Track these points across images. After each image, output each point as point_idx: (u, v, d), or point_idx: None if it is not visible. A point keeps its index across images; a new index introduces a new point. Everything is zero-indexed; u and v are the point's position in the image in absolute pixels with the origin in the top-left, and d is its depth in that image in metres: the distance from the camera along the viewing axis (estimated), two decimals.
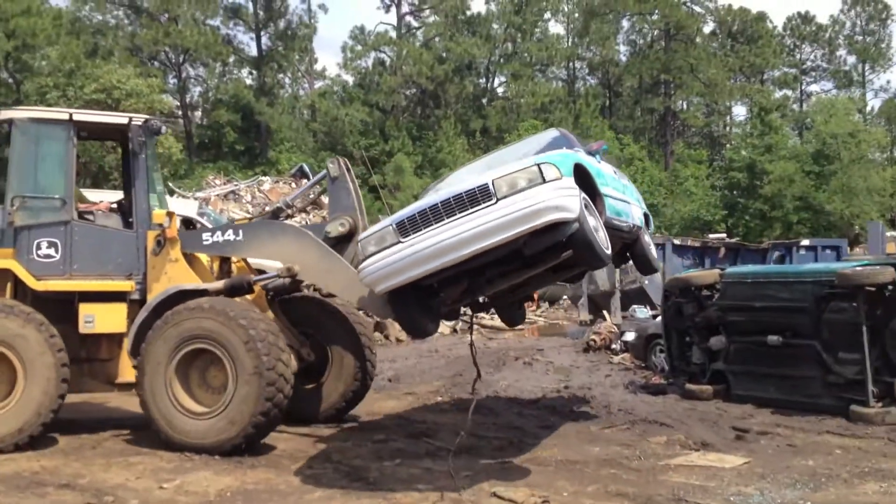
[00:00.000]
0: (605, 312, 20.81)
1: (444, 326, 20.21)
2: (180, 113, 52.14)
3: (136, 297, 8.31)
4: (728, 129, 64.26)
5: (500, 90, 59.84)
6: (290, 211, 9.59)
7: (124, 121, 8.54)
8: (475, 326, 18.78)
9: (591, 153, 7.90)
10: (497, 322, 23.59)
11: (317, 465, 7.39)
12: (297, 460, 7.58)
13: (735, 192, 50.20)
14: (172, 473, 7.02)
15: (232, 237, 8.62)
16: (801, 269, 10.93)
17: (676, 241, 22.45)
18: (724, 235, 34.83)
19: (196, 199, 18.96)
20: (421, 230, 6.80)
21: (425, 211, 6.83)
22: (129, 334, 8.17)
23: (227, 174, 32.42)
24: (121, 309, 8.17)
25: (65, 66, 37.26)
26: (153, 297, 8.23)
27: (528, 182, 6.59)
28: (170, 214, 8.52)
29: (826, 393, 9.89)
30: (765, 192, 46.39)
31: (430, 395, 11.45)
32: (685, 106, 62.33)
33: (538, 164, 6.69)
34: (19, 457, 7.55)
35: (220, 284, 8.57)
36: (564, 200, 6.56)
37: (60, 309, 8.01)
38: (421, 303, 7.53)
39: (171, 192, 22.98)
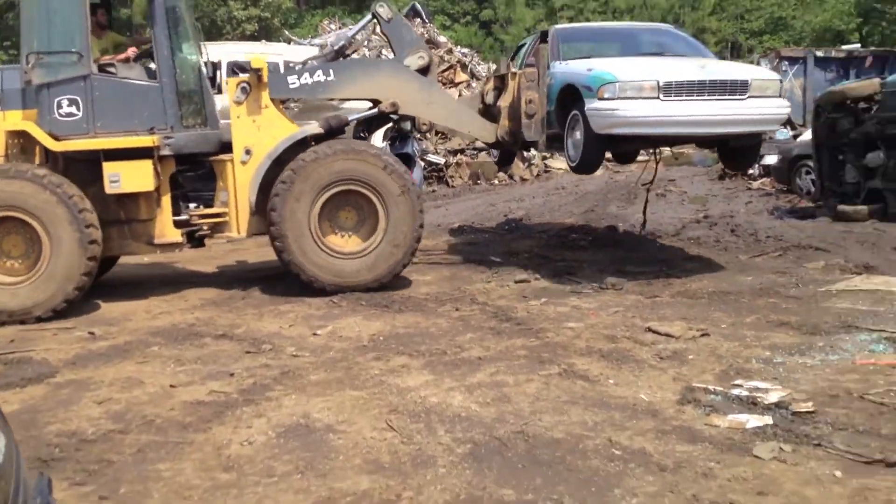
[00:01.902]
0: None
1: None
2: None
3: (166, 152, 7.90)
4: None
5: None
6: (352, 48, 9.25)
7: None
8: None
9: None
10: None
11: (463, 308, 7.31)
12: (442, 303, 7.52)
13: None
14: (323, 320, 7.08)
15: (323, 77, 8.38)
16: None
17: (819, 53, 20.70)
18: (857, 45, 32.21)
19: (312, 45, 18.63)
20: (683, 97, 7.52)
21: (693, 82, 7.55)
22: (252, 187, 8.03)
23: (340, 19, 31.78)
24: (147, 166, 7.74)
25: None
26: (275, 147, 8.05)
27: (774, 91, 7.76)
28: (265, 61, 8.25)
29: None
30: None
31: (565, 233, 11.19)
32: None
33: (779, 80, 8.02)
34: (173, 310, 7.77)
35: (317, 126, 8.39)
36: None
37: (94, 170, 7.72)
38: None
39: (288, 41, 22.75)
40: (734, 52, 48.30)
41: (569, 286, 8.03)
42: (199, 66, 8.36)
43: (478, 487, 3.74)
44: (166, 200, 8.09)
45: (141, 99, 7.90)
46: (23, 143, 7.78)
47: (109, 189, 7.68)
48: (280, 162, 8.04)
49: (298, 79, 8.36)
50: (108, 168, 7.65)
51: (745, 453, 3.98)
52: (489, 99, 9.39)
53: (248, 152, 8.14)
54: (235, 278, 9.02)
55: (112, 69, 8.03)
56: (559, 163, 20.14)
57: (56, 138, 7.64)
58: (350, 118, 8.61)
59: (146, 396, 5.25)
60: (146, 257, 9.67)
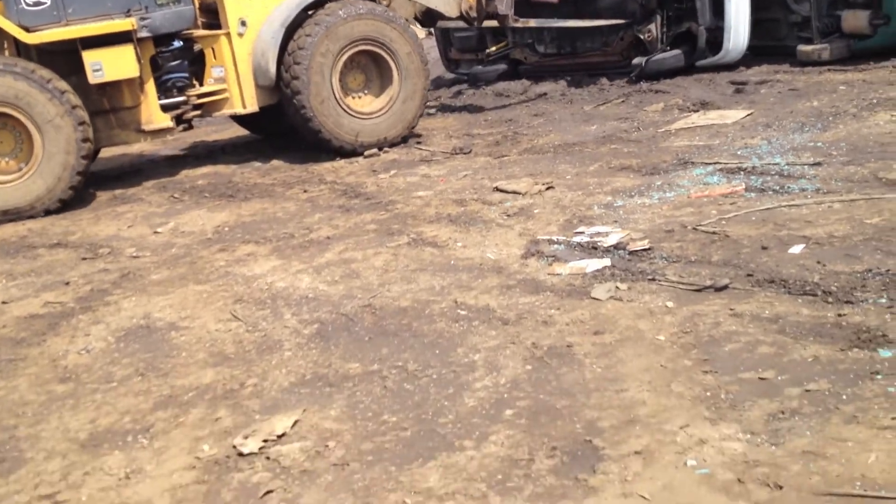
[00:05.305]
0: None
1: None
2: None
3: (144, 34, 7.44)
4: None
5: None
6: None
7: None
8: None
9: None
10: None
11: (312, 189, 7.14)
12: (289, 186, 7.32)
13: None
14: (164, 217, 6.79)
15: None
16: None
17: None
18: None
19: None
20: None
21: None
22: (269, 57, 7.78)
23: None
24: (129, 51, 7.33)
25: None
26: (287, 14, 7.82)
27: None
28: None
29: (789, 34, 9.66)
30: None
31: None
32: None
33: None
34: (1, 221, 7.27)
35: None
36: None
37: (70, 61, 7.27)
38: None
39: None
40: None
41: (418, 155, 7.94)
42: None
43: (323, 365, 3.71)
44: (150, 85, 7.72)
45: None
46: None
47: (93, 79, 7.26)
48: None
49: None
50: (89, 57, 7.22)
51: (584, 297, 4.07)
52: None
53: (243, 24, 7.92)
54: None
55: None
56: None
57: (27, 29, 7.12)
58: None
59: None
60: None
